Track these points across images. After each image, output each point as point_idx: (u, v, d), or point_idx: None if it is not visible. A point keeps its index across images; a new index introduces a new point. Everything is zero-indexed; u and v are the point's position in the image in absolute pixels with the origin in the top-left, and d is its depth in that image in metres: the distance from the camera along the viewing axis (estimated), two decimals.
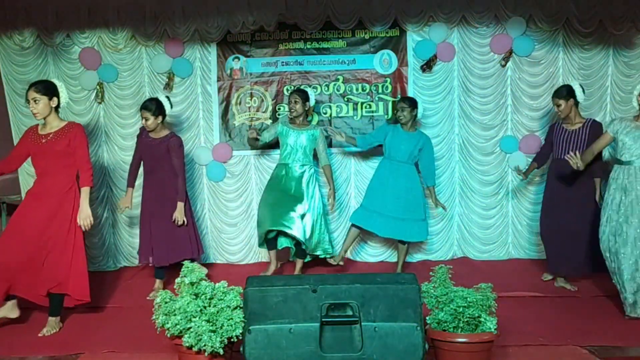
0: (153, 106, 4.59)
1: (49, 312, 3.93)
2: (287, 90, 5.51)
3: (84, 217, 3.85)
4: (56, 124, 3.91)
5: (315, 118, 5.54)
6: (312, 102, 5.13)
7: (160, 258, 4.63)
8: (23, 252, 3.77)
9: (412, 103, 4.94)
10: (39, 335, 3.81)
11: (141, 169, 4.82)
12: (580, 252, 4.43)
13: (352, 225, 5.02)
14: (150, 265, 4.77)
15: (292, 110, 4.97)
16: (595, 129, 4.48)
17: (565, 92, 4.59)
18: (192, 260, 4.56)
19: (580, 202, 4.49)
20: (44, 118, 3.88)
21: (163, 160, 4.61)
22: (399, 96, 5.39)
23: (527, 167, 5.00)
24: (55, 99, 3.90)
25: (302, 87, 5.47)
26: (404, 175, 4.90)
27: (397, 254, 5.17)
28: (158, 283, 4.71)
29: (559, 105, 4.59)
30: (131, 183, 4.78)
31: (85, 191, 3.88)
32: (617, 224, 3.90)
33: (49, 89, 3.89)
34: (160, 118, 4.62)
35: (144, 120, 4.62)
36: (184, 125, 5.58)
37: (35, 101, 3.82)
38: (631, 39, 5.36)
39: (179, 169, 4.63)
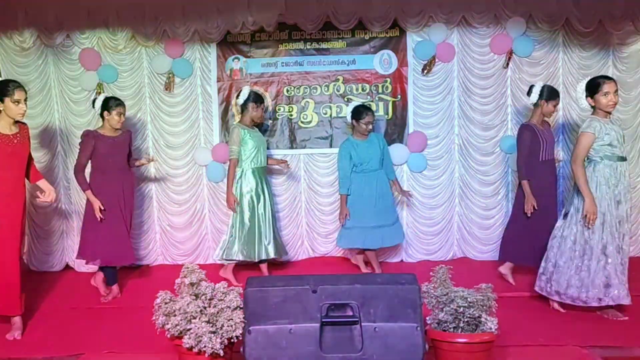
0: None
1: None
2: (287, 91, 5.52)
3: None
4: (16, 126, 3.87)
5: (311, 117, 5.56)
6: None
7: (122, 257, 4.61)
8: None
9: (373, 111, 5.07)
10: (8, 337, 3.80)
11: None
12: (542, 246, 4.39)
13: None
14: (96, 263, 4.63)
15: (263, 118, 5.09)
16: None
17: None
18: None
19: (550, 201, 4.57)
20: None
21: (124, 155, 4.68)
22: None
23: (527, 197, 4.53)
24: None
25: (301, 87, 5.51)
26: (377, 182, 4.97)
27: (374, 257, 5.11)
28: (116, 288, 4.66)
29: (556, 105, 4.58)
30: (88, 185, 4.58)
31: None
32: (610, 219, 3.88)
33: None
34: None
35: (120, 117, 4.57)
36: (183, 126, 5.58)
37: (25, 101, 3.80)
38: (631, 39, 5.36)
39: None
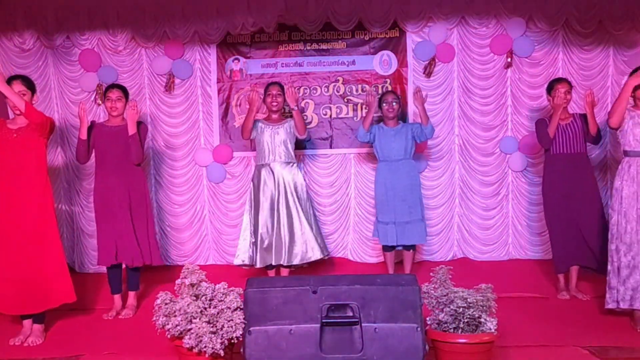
0: (124, 88, 4.39)
1: (38, 319, 3.84)
2: None
3: None
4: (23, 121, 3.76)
5: (316, 119, 5.56)
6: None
7: (134, 257, 4.23)
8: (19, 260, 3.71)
9: (398, 97, 4.91)
10: (11, 342, 3.70)
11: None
12: (594, 245, 4.29)
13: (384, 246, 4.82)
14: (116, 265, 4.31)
15: (275, 104, 4.69)
16: (585, 121, 4.39)
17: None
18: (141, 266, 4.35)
19: (584, 196, 4.36)
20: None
21: (124, 148, 4.21)
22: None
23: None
24: (35, 96, 3.91)
25: (301, 88, 5.51)
26: (405, 173, 4.75)
27: (396, 255, 5.00)
28: (132, 298, 4.38)
29: (568, 93, 4.40)
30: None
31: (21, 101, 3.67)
32: (629, 215, 3.72)
33: (33, 85, 3.90)
34: (126, 105, 4.31)
35: (112, 102, 4.23)
36: (184, 127, 5.58)
37: (22, 94, 3.74)
38: (631, 39, 5.36)
39: (142, 154, 4.37)
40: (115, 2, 5.33)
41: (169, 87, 5.52)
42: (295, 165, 4.77)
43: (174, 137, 5.60)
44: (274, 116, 4.76)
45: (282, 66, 5.55)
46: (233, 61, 5.55)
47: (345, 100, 5.55)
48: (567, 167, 4.39)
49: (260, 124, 4.72)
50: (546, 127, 4.43)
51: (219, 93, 5.56)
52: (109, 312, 4.27)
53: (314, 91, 5.55)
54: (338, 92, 5.56)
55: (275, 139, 4.67)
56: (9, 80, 3.79)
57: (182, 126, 5.59)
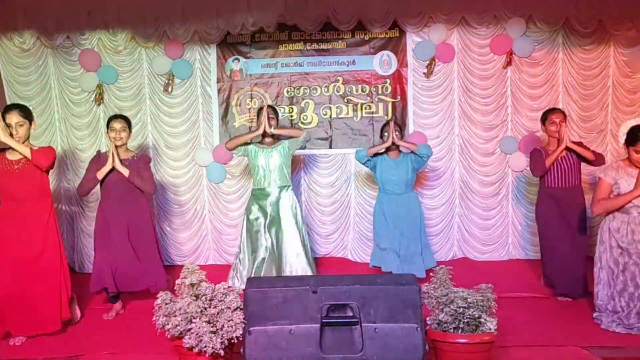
0: (128, 119, 4.35)
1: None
2: (287, 91, 5.52)
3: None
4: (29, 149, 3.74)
5: (316, 119, 5.56)
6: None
7: (127, 284, 4.24)
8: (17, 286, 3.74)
9: (400, 126, 4.77)
10: (11, 343, 3.74)
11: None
12: (578, 275, 4.33)
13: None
14: (110, 293, 4.24)
15: (270, 126, 4.60)
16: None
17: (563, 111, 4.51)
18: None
19: (573, 227, 4.37)
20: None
21: (128, 182, 4.22)
22: (388, 116, 5.35)
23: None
24: (33, 124, 3.85)
25: (301, 88, 5.50)
26: (404, 207, 4.67)
27: None
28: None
29: (562, 122, 4.35)
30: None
31: (25, 147, 3.69)
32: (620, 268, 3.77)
33: (30, 114, 3.82)
34: (130, 135, 4.32)
35: (116, 132, 4.19)
36: (184, 127, 5.58)
37: (20, 125, 3.71)
38: (631, 39, 5.36)
39: (152, 185, 4.34)
40: (115, 2, 5.32)
41: (168, 87, 5.51)
42: (290, 188, 4.71)
43: (174, 137, 5.60)
44: (267, 140, 4.70)
45: (282, 66, 5.55)
46: (233, 61, 5.55)
47: (345, 100, 5.54)
48: (561, 200, 4.39)
49: (253, 148, 4.65)
50: (541, 157, 4.41)
51: (219, 93, 5.56)
52: (109, 312, 4.28)
53: (314, 91, 5.55)
54: (338, 92, 5.55)
55: (270, 163, 4.62)
56: (6, 110, 3.73)
57: (182, 126, 5.58)
